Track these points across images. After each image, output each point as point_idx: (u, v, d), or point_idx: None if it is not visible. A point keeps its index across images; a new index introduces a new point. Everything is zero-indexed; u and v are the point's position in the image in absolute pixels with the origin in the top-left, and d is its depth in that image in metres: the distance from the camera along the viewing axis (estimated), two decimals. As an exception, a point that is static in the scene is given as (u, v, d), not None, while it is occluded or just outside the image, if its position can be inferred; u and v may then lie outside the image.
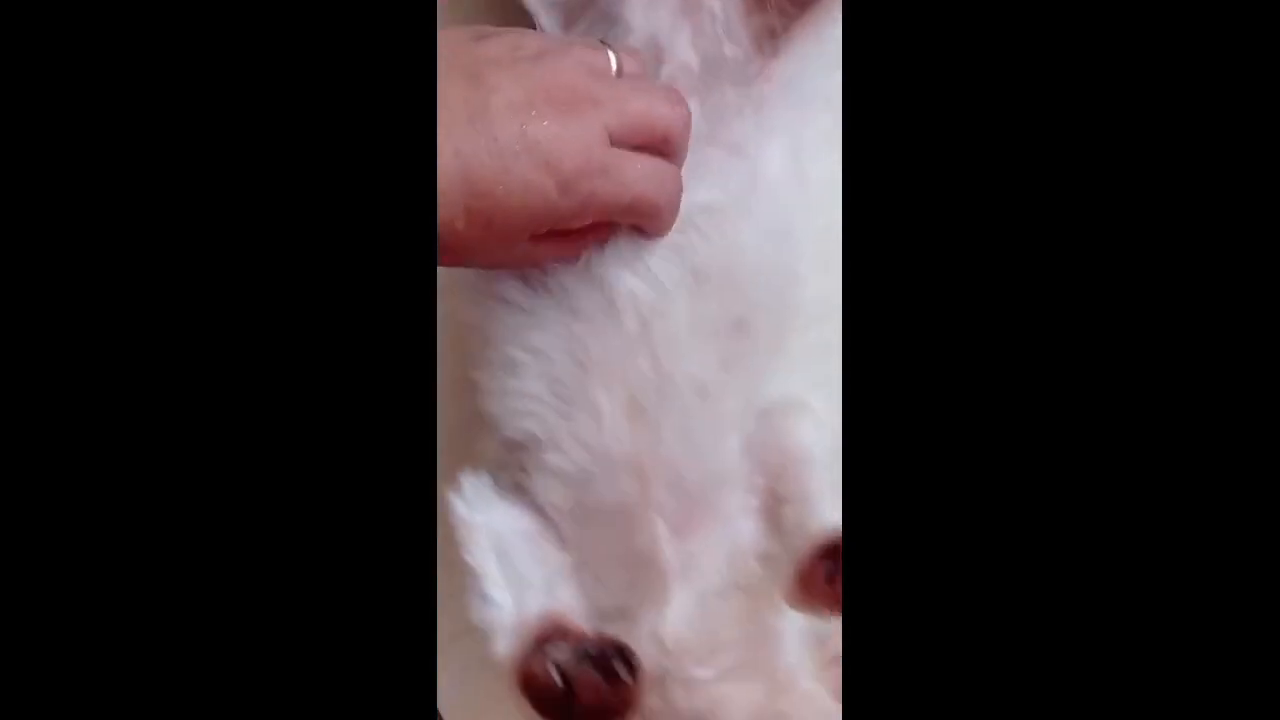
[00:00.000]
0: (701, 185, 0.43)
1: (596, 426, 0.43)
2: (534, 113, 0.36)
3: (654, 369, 0.43)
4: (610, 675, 0.39)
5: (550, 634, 0.40)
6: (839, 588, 0.40)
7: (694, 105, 0.46)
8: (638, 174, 0.38)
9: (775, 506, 0.45)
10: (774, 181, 0.45)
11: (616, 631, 0.46)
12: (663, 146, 0.40)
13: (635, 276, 0.42)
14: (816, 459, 0.46)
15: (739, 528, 0.46)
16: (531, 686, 0.39)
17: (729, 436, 0.45)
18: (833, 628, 0.48)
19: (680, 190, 0.41)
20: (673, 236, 0.43)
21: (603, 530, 0.44)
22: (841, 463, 0.32)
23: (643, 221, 0.41)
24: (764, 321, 0.45)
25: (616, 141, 0.38)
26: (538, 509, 0.45)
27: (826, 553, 0.41)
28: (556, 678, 0.39)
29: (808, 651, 0.49)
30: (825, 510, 0.43)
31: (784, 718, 0.45)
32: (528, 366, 0.44)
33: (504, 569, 0.42)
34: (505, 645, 0.41)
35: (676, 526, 0.44)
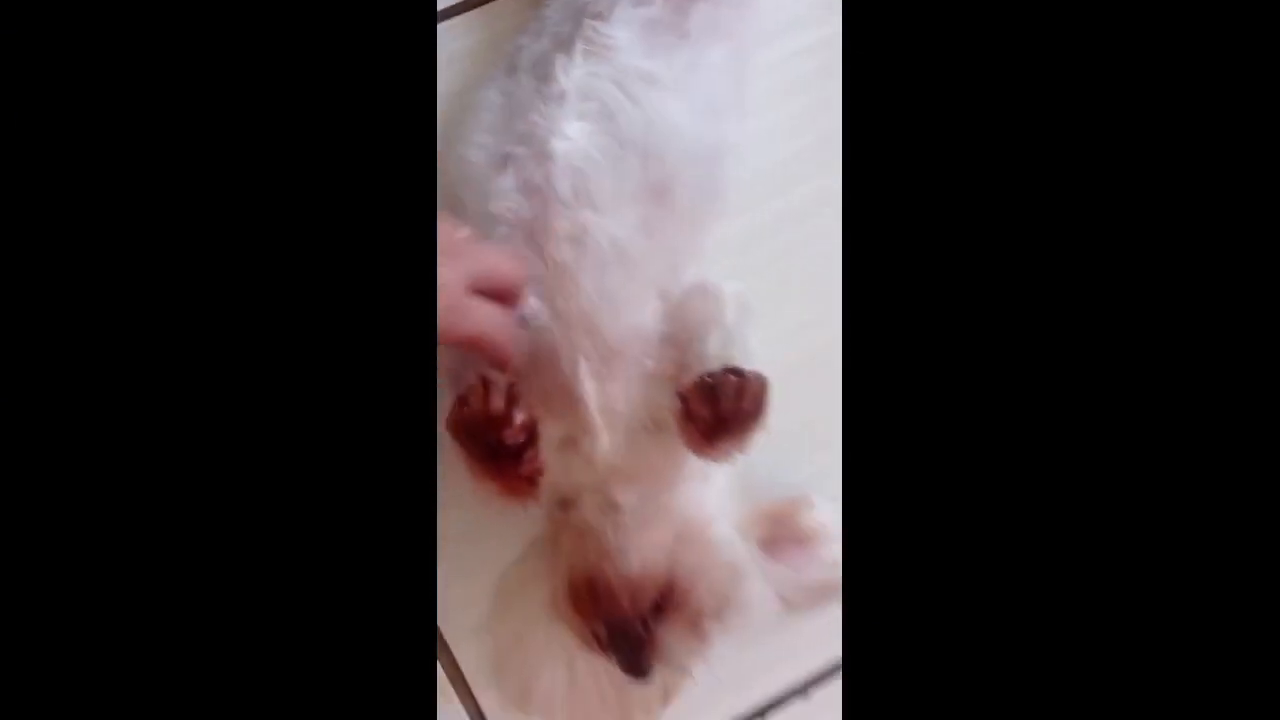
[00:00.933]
0: (647, 58, 0.47)
1: (542, 271, 0.50)
2: None
3: (575, 225, 0.49)
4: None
5: None
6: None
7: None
8: (483, 316, 0.45)
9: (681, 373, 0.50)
10: (715, 69, 0.48)
11: (561, 455, 0.53)
12: (505, 297, 0.46)
13: (565, 140, 0.48)
14: (725, 330, 0.49)
15: (658, 383, 0.50)
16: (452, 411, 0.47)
17: (648, 300, 0.50)
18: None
19: (512, 334, 0.46)
20: (604, 100, 0.48)
21: (540, 363, 0.51)
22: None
23: (482, 355, 0.46)
24: (685, 193, 0.48)
25: (471, 288, 0.44)
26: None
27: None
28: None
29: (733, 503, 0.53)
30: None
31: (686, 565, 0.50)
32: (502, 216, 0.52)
33: None
34: None
35: (595, 369, 0.50)
